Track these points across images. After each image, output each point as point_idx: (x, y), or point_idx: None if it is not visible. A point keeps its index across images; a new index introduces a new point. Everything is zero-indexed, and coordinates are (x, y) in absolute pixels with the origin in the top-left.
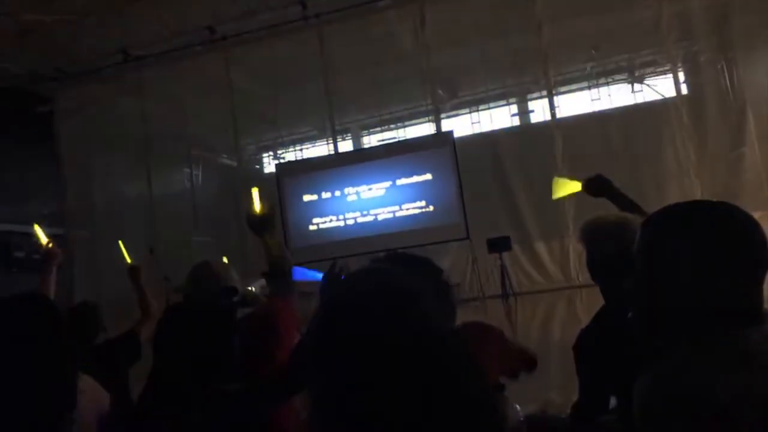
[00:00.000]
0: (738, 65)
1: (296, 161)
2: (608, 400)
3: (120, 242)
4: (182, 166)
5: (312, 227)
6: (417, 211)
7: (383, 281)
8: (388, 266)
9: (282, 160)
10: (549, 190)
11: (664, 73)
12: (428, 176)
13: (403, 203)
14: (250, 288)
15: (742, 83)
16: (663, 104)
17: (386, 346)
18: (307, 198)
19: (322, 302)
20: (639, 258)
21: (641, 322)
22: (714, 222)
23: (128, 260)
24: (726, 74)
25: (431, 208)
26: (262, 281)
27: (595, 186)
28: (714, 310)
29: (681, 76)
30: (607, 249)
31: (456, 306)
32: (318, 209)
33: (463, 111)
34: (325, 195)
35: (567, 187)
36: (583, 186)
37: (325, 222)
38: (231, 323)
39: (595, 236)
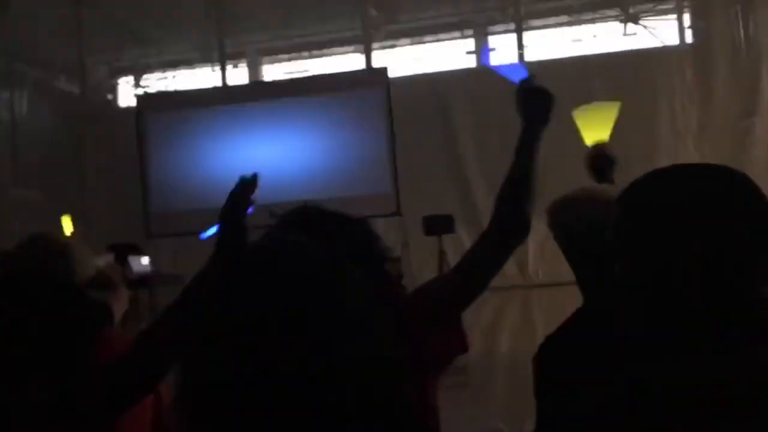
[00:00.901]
0: (756, 12)
1: (167, 93)
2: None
3: None
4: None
5: (184, 186)
6: (333, 174)
7: (295, 258)
8: (299, 232)
9: (147, 90)
10: (508, 155)
11: (666, 13)
12: (351, 127)
13: (315, 163)
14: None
15: (759, 35)
16: (662, 53)
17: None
18: (179, 146)
19: (214, 276)
20: (617, 236)
21: (624, 319)
22: (718, 190)
23: None
24: (740, 22)
25: (353, 171)
26: (108, 257)
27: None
28: (714, 309)
29: (686, 19)
30: (576, 227)
31: (392, 285)
32: (195, 162)
33: (402, 42)
34: (206, 144)
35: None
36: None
37: (204, 180)
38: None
39: (563, 213)
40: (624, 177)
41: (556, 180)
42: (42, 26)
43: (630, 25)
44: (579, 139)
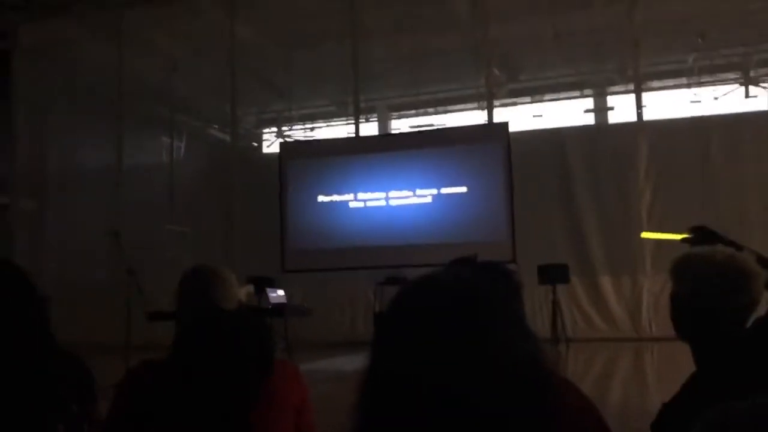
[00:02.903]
0: None
1: (307, 141)
2: None
3: None
4: (162, 134)
5: (317, 227)
6: (454, 221)
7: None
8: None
9: (288, 139)
10: (624, 211)
11: None
12: (473, 178)
13: (437, 210)
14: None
15: None
16: None
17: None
18: (315, 190)
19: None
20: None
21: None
22: None
23: None
24: None
25: (473, 219)
26: (250, 287)
27: (698, 237)
28: None
29: None
30: (706, 294)
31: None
32: (328, 205)
33: (523, 100)
34: (339, 188)
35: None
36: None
37: (335, 222)
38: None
39: (691, 275)
40: (743, 238)
41: None
42: (199, 82)
43: (750, 88)
44: None
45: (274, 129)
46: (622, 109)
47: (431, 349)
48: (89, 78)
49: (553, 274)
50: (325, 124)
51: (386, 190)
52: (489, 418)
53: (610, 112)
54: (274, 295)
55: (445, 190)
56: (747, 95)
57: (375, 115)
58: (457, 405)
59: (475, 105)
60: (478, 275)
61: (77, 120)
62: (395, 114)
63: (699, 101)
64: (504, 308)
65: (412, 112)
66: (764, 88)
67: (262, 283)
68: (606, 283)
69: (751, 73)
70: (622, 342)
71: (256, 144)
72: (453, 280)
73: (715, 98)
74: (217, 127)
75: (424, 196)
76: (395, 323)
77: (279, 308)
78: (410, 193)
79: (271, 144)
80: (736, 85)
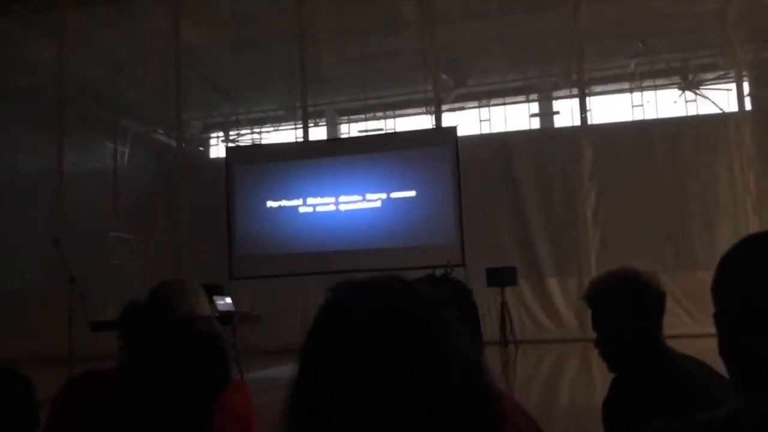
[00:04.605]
0: None
1: (254, 146)
2: None
3: None
4: (105, 138)
5: (265, 233)
6: (403, 225)
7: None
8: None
9: (236, 143)
10: (570, 213)
11: (726, 80)
12: (421, 182)
13: (387, 214)
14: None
15: None
16: (721, 119)
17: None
18: (262, 195)
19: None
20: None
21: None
22: None
23: None
24: None
25: (422, 223)
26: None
27: None
28: None
29: (746, 86)
30: (597, 298)
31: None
32: (276, 211)
33: (470, 104)
34: (287, 194)
35: None
36: None
37: (284, 228)
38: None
39: (602, 295)
40: (685, 239)
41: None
42: (144, 85)
43: (689, 93)
44: None
45: (221, 133)
46: (567, 113)
47: (371, 347)
48: (29, 79)
49: (501, 277)
50: (273, 129)
51: (335, 195)
52: (429, 423)
53: (555, 117)
54: (222, 302)
55: (394, 195)
56: (685, 99)
57: (323, 119)
58: (398, 410)
59: (423, 109)
60: (418, 281)
61: (17, 122)
62: (344, 118)
63: (640, 105)
64: (448, 311)
65: (361, 116)
66: (701, 95)
67: (209, 291)
68: (553, 284)
69: (691, 78)
70: (569, 342)
71: (202, 149)
72: (392, 279)
73: (655, 102)
74: (162, 131)
75: (374, 200)
76: (333, 321)
77: (227, 316)
78: (360, 198)
79: (217, 148)
80: (676, 90)
